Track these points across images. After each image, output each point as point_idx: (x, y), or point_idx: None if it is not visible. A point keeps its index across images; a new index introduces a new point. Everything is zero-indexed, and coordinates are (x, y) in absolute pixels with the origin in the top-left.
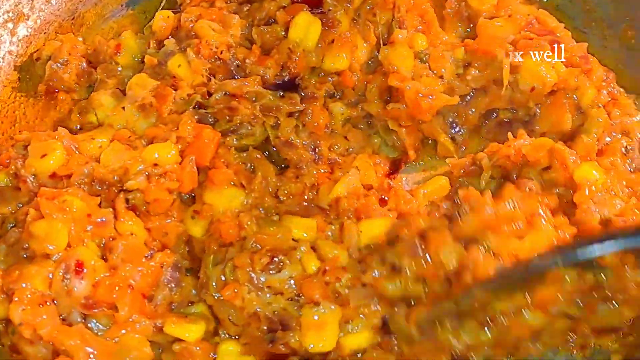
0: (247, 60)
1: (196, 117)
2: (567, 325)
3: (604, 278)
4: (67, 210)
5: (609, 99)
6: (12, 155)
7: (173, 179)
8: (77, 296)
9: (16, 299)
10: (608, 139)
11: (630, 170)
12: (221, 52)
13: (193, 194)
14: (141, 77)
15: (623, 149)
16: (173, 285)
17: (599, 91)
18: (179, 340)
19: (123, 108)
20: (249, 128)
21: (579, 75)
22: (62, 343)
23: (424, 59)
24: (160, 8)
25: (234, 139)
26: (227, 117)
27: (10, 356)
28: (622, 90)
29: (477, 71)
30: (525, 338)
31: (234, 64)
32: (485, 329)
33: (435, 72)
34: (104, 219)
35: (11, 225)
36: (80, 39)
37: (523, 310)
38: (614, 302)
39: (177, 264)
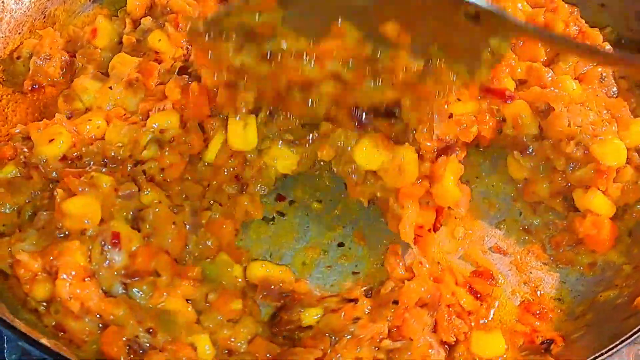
0: None
1: (182, 83)
2: (333, 90)
3: (379, 54)
4: (96, 186)
5: (577, 32)
6: (16, 146)
7: (182, 141)
8: (117, 267)
9: (63, 275)
10: (585, 68)
11: (608, 96)
12: None
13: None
14: (122, 56)
15: (599, 78)
16: (197, 228)
17: (567, 25)
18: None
19: (110, 88)
20: None
21: (546, 13)
22: (111, 313)
23: None
24: None
25: None
26: None
27: (56, 336)
28: (586, 25)
29: None
30: (292, 86)
31: None
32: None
33: None
34: (131, 191)
35: (29, 213)
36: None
37: (303, 55)
38: (380, 79)
39: (193, 208)
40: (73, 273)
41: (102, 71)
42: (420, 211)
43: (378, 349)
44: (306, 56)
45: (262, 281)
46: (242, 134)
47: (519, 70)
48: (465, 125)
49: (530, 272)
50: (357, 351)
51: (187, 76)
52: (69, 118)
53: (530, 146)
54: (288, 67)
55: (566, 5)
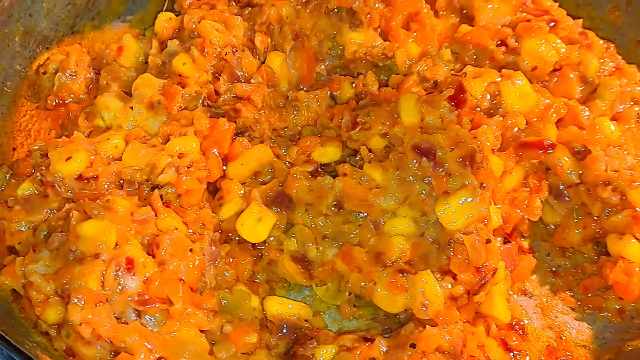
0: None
1: (208, 114)
2: None
3: None
4: (112, 210)
5: (614, 69)
6: (34, 163)
7: (200, 168)
8: (130, 293)
9: (75, 300)
10: (621, 107)
11: None
12: (225, 54)
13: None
14: (146, 77)
15: (636, 117)
16: (215, 259)
17: (602, 62)
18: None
19: (131, 108)
20: (253, 131)
21: (580, 49)
22: (122, 340)
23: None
24: (162, 10)
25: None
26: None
27: None
28: (623, 61)
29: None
30: None
31: (240, 69)
32: None
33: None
34: (147, 216)
35: (44, 232)
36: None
37: None
38: None
39: (212, 238)
40: (85, 298)
41: (125, 90)
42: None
43: None
44: None
45: (279, 319)
46: (253, 226)
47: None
48: (526, 202)
49: (556, 316)
50: None
51: (215, 109)
52: (89, 135)
53: (566, 192)
54: None
55: (601, 41)
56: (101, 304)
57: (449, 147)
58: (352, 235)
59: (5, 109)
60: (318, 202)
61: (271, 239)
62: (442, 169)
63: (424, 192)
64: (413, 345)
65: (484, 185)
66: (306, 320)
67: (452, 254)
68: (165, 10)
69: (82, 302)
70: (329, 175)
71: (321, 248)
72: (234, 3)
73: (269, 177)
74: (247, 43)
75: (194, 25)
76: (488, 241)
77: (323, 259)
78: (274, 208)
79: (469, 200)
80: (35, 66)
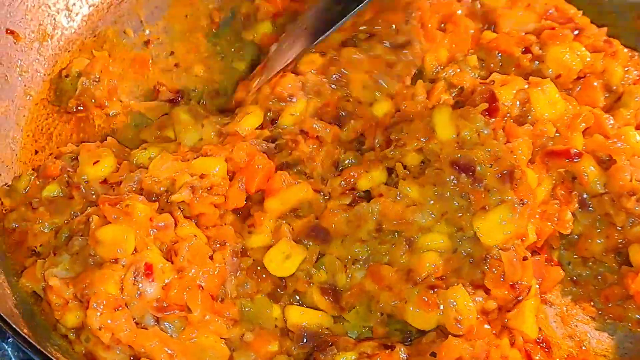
0: None
1: (263, 144)
2: None
3: None
4: (131, 215)
5: (638, 77)
6: (63, 165)
7: (219, 193)
8: (149, 299)
9: (94, 304)
10: None
11: None
12: None
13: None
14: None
15: None
16: (236, 270)
17: (626, 70)
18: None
19: (202, 126)
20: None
21: (605, 58)
22: (142, 345)
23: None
24: None
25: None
26: (289, 151)
27: None
28: None
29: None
30: None
31: None
32: None
33: None
34: (167, 222)
35: (65, 235)
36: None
37: None
38: None
39: (233, 249)
40: (104, 302)
41: None
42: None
43: None
44: None
45: (300, 329)
46: (281, 262)
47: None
48: (557, 215)
49: (576, 326)
50: None
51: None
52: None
53: (590, 202)
54: None
55: (625, 49)
56: (120, 308)
57: (488, 163)
58: (383, 254)
59: (27, 112)
60: (356, 231)
61: (300, 271)
62: (480, 185)
63: (461, 207)
64: (433, 354)
65: (524, 201)
66: (327, 329)
67: (487, 269)
68: None
69: (101, 307)
70: (364, 200)
71: (350, 274)
72: None
73: (305, 212)
74: None
75: None
76: (525, 258)
77: (352, 283)
78: (307, 242)
79: (509, 216)
80: (58, 69)
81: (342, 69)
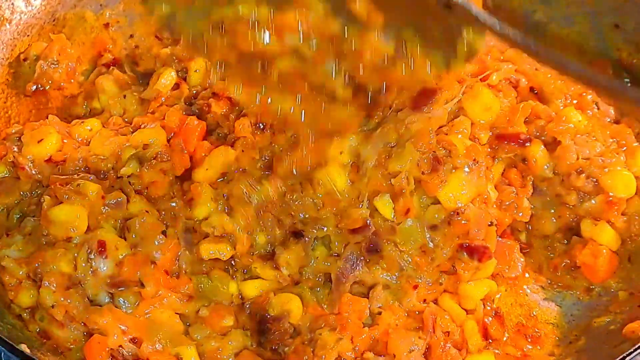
0: None
1: (183, 111)
2: (292, 66)
3: (347, 32)
4: (83, 194)
5: None
6: (8, 146)
7: (164, 159)
8: (102, 276)
9: (46, 283)
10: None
11: (609, 121)
12: None
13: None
14: None
15: (592, 103)
16: (190, 245)
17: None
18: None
19: (124, 96)
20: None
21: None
22: (95, 322)
23: None
24: None
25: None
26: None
27: (40, 342)
28: None
29: None
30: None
31: None
32: None
33: None
34: (119, 200)
35: (17, 216)
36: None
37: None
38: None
39: (186, 225)
40: (57, 281)
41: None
42: None
43: None
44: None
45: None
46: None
47: None
48: (515, 204)
49: (526, 295)
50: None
51: (192, 106)
52: (88, 116)
53: (539, 186)
54: (243, 37)
55: None
56: (74, 286)
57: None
58: None
59: None
60: None
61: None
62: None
63: None
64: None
65: (477, 161)
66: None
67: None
68: None
69: (54, 286)
70: None
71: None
72: None
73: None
74: None
75: None
76: (491, 224)
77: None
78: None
79: (466, 177)
80: (17, 54)
81: None
